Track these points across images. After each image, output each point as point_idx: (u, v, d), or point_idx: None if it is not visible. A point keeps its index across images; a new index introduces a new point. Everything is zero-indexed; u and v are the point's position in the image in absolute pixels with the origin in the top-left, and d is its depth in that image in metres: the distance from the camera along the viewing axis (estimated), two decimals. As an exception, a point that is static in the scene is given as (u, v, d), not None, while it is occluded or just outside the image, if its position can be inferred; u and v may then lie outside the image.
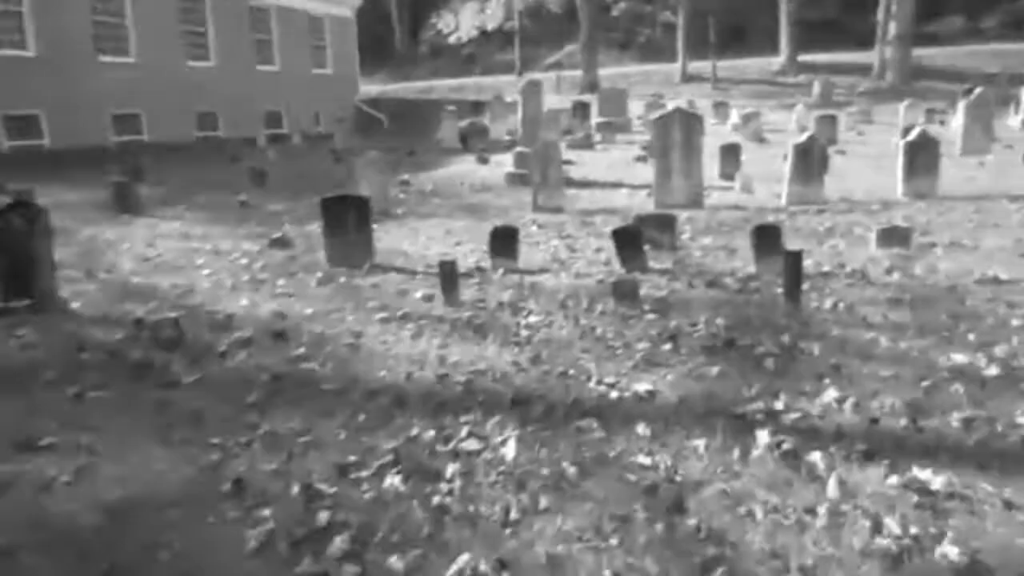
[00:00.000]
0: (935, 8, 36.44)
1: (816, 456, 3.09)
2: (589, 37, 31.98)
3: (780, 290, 5.56)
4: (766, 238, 6.09)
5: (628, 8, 41.50)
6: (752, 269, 6.14)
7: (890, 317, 4.85)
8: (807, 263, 6.26)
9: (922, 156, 8.66)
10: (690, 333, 4.65)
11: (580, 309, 5.22)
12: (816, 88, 25.76)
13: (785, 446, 3.15)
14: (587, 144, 16.71)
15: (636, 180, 11.84)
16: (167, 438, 3.49)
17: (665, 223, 7.17)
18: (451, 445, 3.33)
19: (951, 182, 9.63)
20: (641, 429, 3.38)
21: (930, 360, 4.11)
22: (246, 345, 4.70)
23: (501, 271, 6.54)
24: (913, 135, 8.74)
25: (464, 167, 14.33)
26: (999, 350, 4.18)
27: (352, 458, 3.23)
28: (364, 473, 3.11)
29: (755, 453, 3.16)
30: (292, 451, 3.34)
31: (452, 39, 37.36)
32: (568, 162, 13.91)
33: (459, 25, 36.21)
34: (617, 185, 11.48)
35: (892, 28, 28.16)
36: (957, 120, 18.96)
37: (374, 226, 8.94)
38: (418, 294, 5.81)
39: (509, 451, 3.25)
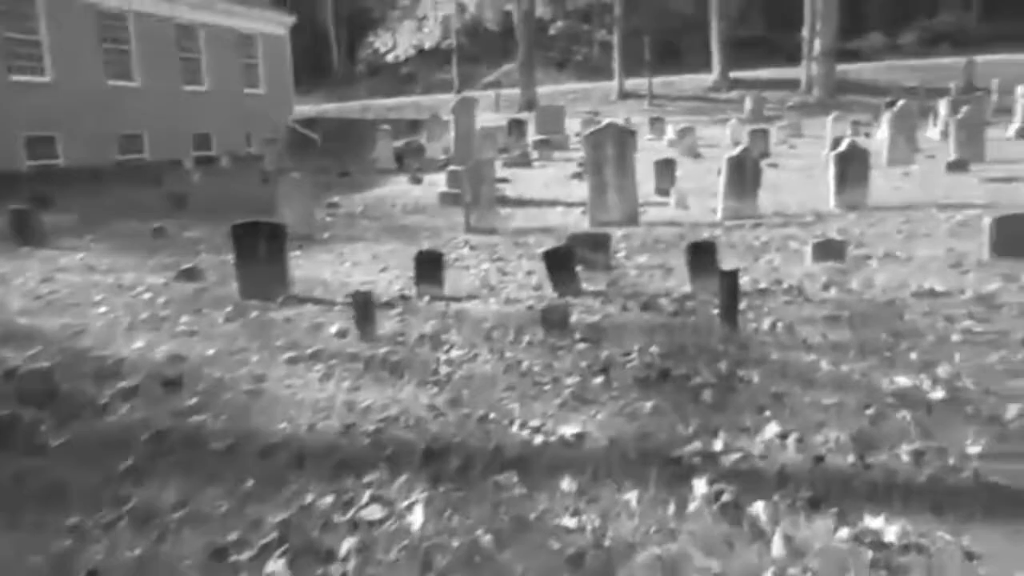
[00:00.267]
0: (857, 26, 37.52)
1: (759, 507, 2.73)
2: (527, 56, 31.89)
3: (716, 311, 5.26)
4: (701, 256, 5.80)
5: (565, 27, 41.66)
6: (688, 288, 5.84)
7: (830, 337, 4.57)
8: (744, 280, 6.00)
9: (852, 168, 8.56)
10: (623, 364, 4.29)
11: (507, 340, 4.82)
12: (748, 103, 26.07)
13: (725, 497, 2.79)
14: (524, 162, 16.41)
15: (572, 197, 11.55)
16: (16, 520, 2.95)
17: (599, 242, 6.84)
18: (350, 514, 2.88)
19: (880, 192, 9.58)
20: (567, 483, 2.98)
21: (873, 384, 3.83)
22: (131, 396, 4.16)
23: (426, 299, 6.11)
24: (843, 147, 8.63)
25: (397, 187, 13.87)
26: (942, 370, 3.92)
27: (233, 536, 2.76)
28: (244, 556, 2.64)
29: (692, 506, 2.79)
30: (164, 530, 2.84)
31: (390, 58, 36.88)
32: (503, 180, 13.59)
33: (396, 44, 35.74)
34: (553, 203, 11.17)
35: (817, 45, 28.77)
36: (882, 132, 19.31)
37: (296, 252, 8.44)
38: (333, 328, 5.33)
39: (416, 518, 2.81)
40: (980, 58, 30.62)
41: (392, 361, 4.56)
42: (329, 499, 2.99)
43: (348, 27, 47.87)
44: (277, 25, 25.42)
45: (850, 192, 8.58)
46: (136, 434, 3.66)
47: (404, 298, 6.17)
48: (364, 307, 5.02)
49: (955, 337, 4.42)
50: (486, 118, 26.90)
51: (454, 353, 4.65)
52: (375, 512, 2.88)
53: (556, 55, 42.31)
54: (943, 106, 19.04)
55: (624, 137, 8.77)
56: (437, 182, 13.78)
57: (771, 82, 32.77)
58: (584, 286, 6.11)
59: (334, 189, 13.69)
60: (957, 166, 11.58)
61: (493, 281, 6.66)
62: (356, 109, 33.23)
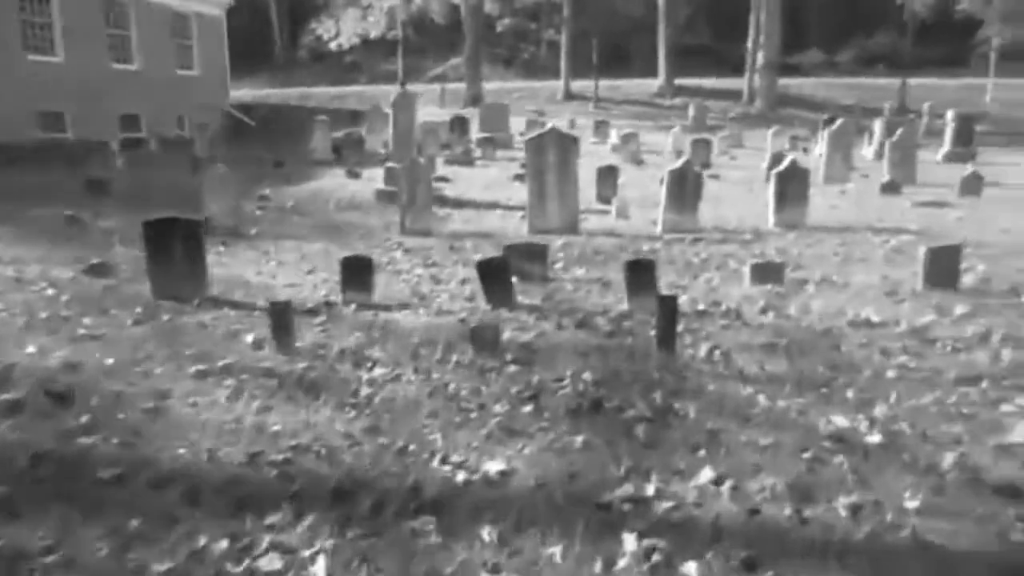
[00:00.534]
0: (797, 41, 38.31)
1: (692, 568, 2.55)
2: (473, 51, 31.55)
3: (654, 332, 5.11)
4: (640, 273, 5.64)
5: (513, 24, 41.41)
6: (625, 306, 5.68)
7: (767, 367, 4.45)
8: (683, 300, 5.87)
9: (792, 187, 8.57)
10: (555, 390, 4.08)
11: (434, 359, 4.56)
12: (691, 111, 26.31)
13: (656, 556, 2.60)
14: (466, 160, 16.13)
15: (513, 200, 11.33)
16: None
17: (536, 253, 6.64)
18: (245, 563, 2.59)
19: (817, 211, 9.63)
20: (488, 532, 2.75)
21: (810, 423, 3.71)
22: (13, 411, 3.75)
23: (353, 307, 5.80)
24: (783, 166, 8.64)
25: (334, 181, 13.42)
26: (879, 411, 3.83)
27: (106, 590, 2.44)
28: (115, 616, 2.33)
29: (621, 563, 2.59)
30: (27, 580, 2.50)
31: (333, 46, 36.00)
32: (443, 179, 13.30)
33: (340, 32, 34.90)
34: (493, 205, 10.93)
35: (760, 57, 29.25)
36: (820, 148, 19.70)
37: (220, 248, 8.01)
38: (249, 337, 4.98)
39: (319, 570, 2.54)
40: (913, 80, 31.65)
41: (310, 379, 4.25)
42: (224, 544, 2.69)
43: (290, 11, 46.61)
44: (214, 5, 24.48)
45: (789, 211, 8.59)
46: (14, 458, 3.28)
47: (329, 305, 5.85)
48: (282, 317, 4.69)
49: (891, 373, 4.35)
50: (430, 112, 26.49)
51: (377, 372, 4.37)
52: (273, 562, 2.60)
53: (503, 52, 42.05)
54: (878, 126, 19.51)
55: (566, 143, 8.59)
56: (375, 177, 13.39)
57: (715, 91, 33.21)
58: (519, 299, 5.89)
59: (267, 180, 13.16)
60: (890, 188, 11.79)
61: (425, 289, 6.39)
62: (296, 96, 32.34)
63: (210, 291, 6.13)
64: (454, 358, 4.54)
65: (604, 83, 33.02)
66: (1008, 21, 28.93)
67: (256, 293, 6.27)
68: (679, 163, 8.59)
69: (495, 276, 5.78)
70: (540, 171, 8.64)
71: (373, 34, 34.15)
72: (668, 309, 4.33)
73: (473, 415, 3.79)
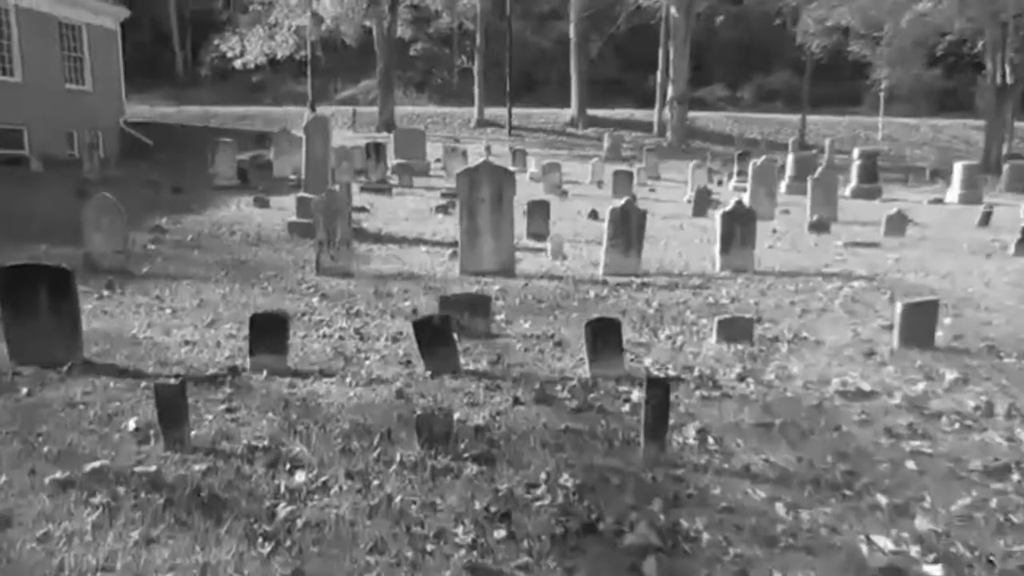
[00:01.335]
0: (701, 76, 39.11)
1: None
2: (386, 75, 30.54)
3: (626, 408, 4.32)
4: (604, 333, 4.84)
5: (426, 50, 40.68)
6: (586, 371, 4.87)
7: (770, 458, 3.72)
8: (647, 363, 5.11)
9: (739, 228, 8.04)
10: (530, 502, 3.20)
11: (371, 456, 3.60)
12: (606, 142, 26.15)
13: None
14: (383, 188, 15.13)
15: (438, 235, 10.43)
16: None
17: (478, 305, 5.76)
18: None
19: (756, 251, 9.18)
20: None
21: (849, 545, 2.97)
22: None
23: (264, 374, 4.75)
24: (730, 206, 8.11)
25: (239, 210, 12.15)
26: (921, 523, 3.13)
27: None
28: None
29: None
30: None
31: (238, 64, 34.17)
32: (361, 209, 12.26)
33: (246, 50, 33.17)
34: (416, 241, 9.99)
35: (670, 90, 29.49)
36: (733, 182, 19.70)
37: (104, 293, 6.77)
38: (132, 423, 3.89)
39: None
40: (810, 117, 32.69)
41: (209, 491, 3.21)
42: None
43: (192, 27, 44.33)
44: (107, 17, 22.59)
45: (736, 254, 8.05)
46: None
47: (235, 372, 4.78)
48: (173, 404, 3.62)
49: (910, 465, 3.69)
50: (342, 136, 25.29)
51: (299, 477, 3.37)
52: None
53: (416, 76, 41.19)
54: (789, 162, 19.66)
55: (502, 177, 7.79)
56: (286, 206, 12.20)
57: (626, 122, 33.37)
58: (463, 361, 4.99)
59: (163, 208, 11.76)
60: (819, 227, 11.56)
61: (351, 348, 5.39)
62: (199, 115, 30.43)
63: (85, 353, 4.95)
64: (397, 455, 3.58)
65: (517, 111, 32.63)
66: (895, 64, 30.25)
67: (144, 355, 5.13)
68: (621, 202, 7.92)
69: (436, 337, 4.86)
70: (472, 207, 7.78)
71: (280, 54, 32.61)
72: (660, 397, 3.53)
73: (430, 547, 2.86)
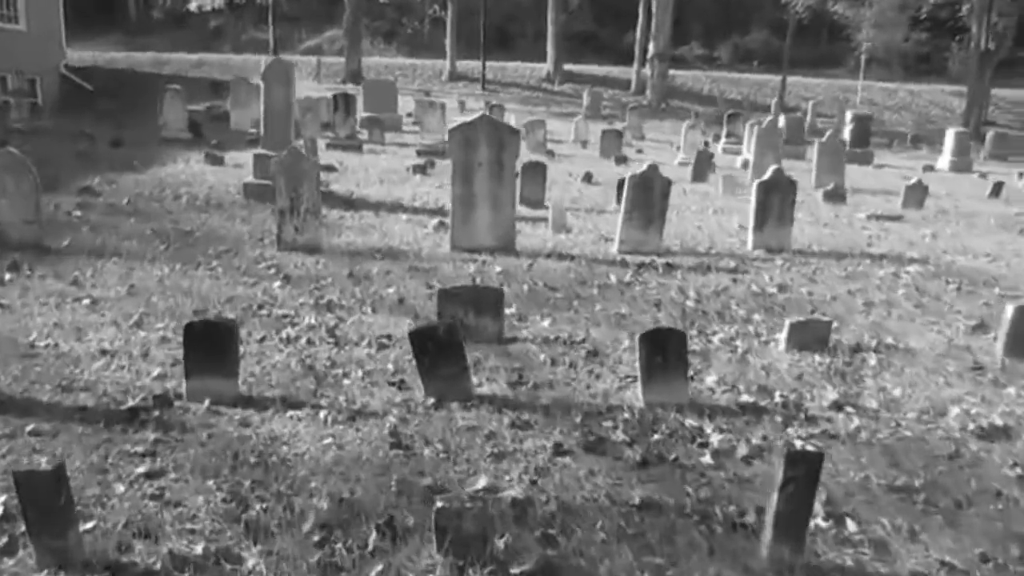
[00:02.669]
0: (678, 34, 37.59)
1: None
2: (353, 23, 28.43)
3: (708, 457, 3.11)
4: (662, 349, 3.60)
5: (395, -3, 38.34)
6: (639, 397, 3.64)
7: (941, 555, 2.54)
8: (709, 380, 3.89)
9: (777, 201, 6.81)
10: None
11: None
12: (586, 99, 24.68)
13: None
14: (354, 145, 13.56)
15: (419, 199, 9.03)
16: None
17: (486, 300, 4.45)
18: None
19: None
20: None
21: None
22: None
23: (205, 406, 3.43)
24: (768, 175, 6.86)
25: (188, 168, 10.53)
26: None
27: None
28: None
29: None
30: None
31: (193, 6, 31.65)
32: (329, 168, 10.74)
33: (202, -7, 30.69)
34: (395, 207, 8.57)
35: (651, 48, 27.96)
36: (721, 144, 18.45)
37: (6, 276, 5.31)
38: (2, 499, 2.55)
39: None
40: (789, 78, 31.50)
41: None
42: None
43: (146, -33, 41.19)
44: (46, -53, 20.21)
45: (772, 231, 6.83)
46: None
47: (165, 404, 3.44)
48: (45, 502, 2.27)
49: None
50: (306, 87, 23.37)
51: (250, 621, 2.09)
52: None
53: (385, 25, 38.86)
54: (782, 124, 18.44)
55: (504, 136, 6.42)
56: (243, 163, 10.62)
57: (603, 79, 31.79)
58: (474, 381, 3.72)
59: (98, 165, 10.11)
60: (835, 196, 10.42)
61: (323, 359, 4.07)
62: (149, 61, 28.04)
63: (-42, 371, 3.56)
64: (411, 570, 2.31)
65: (491, 65, 30.83)
66: (879, 27, 29.14)
67: (41, 374, 3.74)
68: (643, 168, 6.62)
69: (440, 352, 3.57)
70: (467, 172, 6.42)
71: (239, -2, 30.22)
72: (805, 477, 2.29)
73: None
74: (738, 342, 4.53)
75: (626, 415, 3.49)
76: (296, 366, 3.95)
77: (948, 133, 18.46)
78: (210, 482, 2.81)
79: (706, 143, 19.29)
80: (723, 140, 18.54)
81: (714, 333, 4.69)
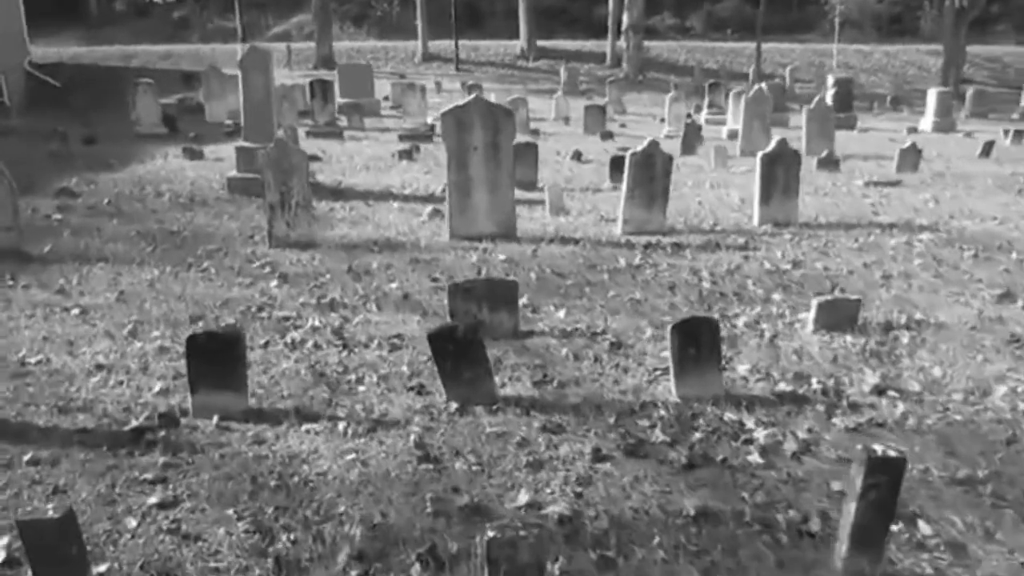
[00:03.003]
0: (650, 5, 37.17)
1: None
2: (322, 6, 27.76)
3: (756, 455, 2.92)
4: (695, 339, 3.40)
5: (362, -21, 37.52)
6: (672, 391, 3.45)
7: None
8: (742, 370, 3.70)
9: (782, 173, 6.61)
10: None
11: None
12: (563, 75, 24.30)
13: None
14: (334, 132, 13.19)
15: (408, 186, 8.74)
16: None
17: (500, 293, 4.22)
18: None
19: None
20: None
21: None
22: None
23: (215, 422, 3.18)
24: (771, 147, 6.65)
25: (167, 164, 10.15)
26: None
27: None
28: None
29: None
30: None
31: (158, -2, 30.79)
32: (314, 158, 10.39)
33: (165, -20, 29.81)
34: (384, 195, 8.29)
35: (624, 19, 27.57)
36: (703, 115, 18.20)
37: (-17, 290, 4.99)
38: (-3, 557, 2.31)
39: None
40: (764, 45, 31.27)
41: None
42: None
43: (106, -43, 39.97)
44: (1, -60, 19.43)
45: (778, 204, 6.64)
46: None
47: (171, 423, 3.19)
48: (51, 555, 2.03)
49: None
50: (278, 75, 22.79)
51: None
52: None
53: (353, 8, 38.08)
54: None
55: (499, 117, 6.15)
56: (223, 156, 10.28)
57: (576, 54, 31.36)
58: (496, 381, 3.50)
59: (74, 165, 9.69)
60: (829, 164, 10.25)
61: (334, 364, 3.83)
62: (116, 55, 27.23)
63: (-58, 398, 3.29)
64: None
65: (464, 44, 30.30)
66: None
67: (35, 394, 3.48)
68: (644, 144, 6.39)
69: (461, 354, 3.34)
70: (462, 156, 6.15)
71: (205, -15, 29.37)
72: (888, 484, 2.10)
73: None
74: (763, 325, 4.34)
75: (662, 412, 3.29)
76: (306, 373, 3.71)
77: (930, 93, 18.34)
78: (229, 511, 2.58)
79: (689, 115, 19.08)
80: (705, 111, 18.33)
81: (736, 316, 4.50)
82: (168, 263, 5.65)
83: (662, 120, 17.64)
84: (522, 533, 2.05)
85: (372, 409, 3.34)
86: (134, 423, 3.18)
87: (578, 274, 5.34)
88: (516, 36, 31.81)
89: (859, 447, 2.12)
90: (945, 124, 17.46)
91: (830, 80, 18.68)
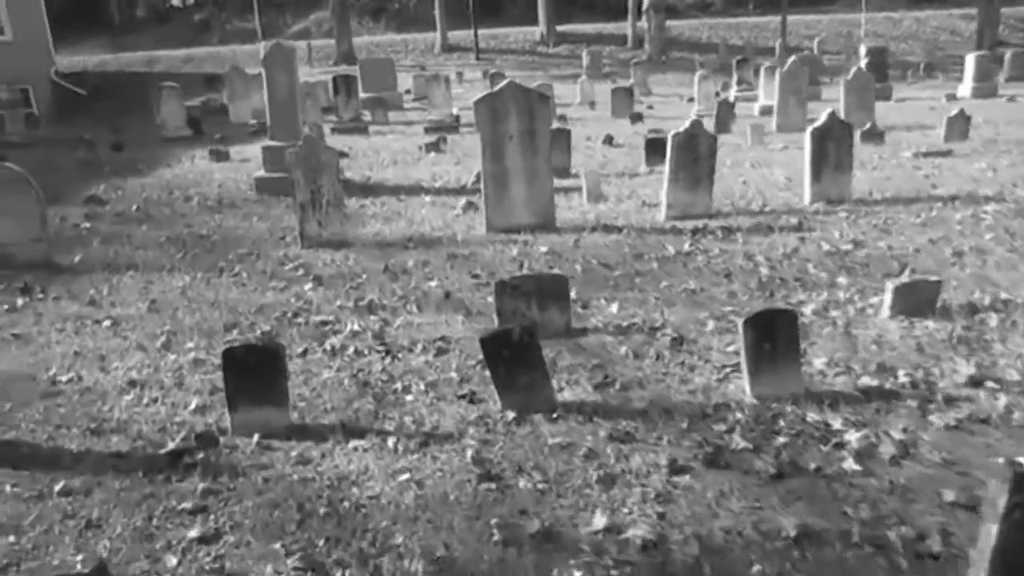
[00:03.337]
0: (670, -18, 36.38)
1: None
2: (340, 2, 27.54)
3: (852, 461, 2.62)
4: (771, 334, 3.09)
5: (378, -27, 37.25)
6: (746, 391, 3.14)
7: None
8: (817, 363, 3.39)
9: (834, 148, 6.23)
10: None
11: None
12: (585, 59, 23.84)
13: None
14: (359, 128, 12.97)
15: (438, 179, 8.48)
16: None
17: (550, 289, 3.93)
18: None
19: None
20: None
21: None
22: None
23: (255, 441, 2.96)
24: (821, 120, 6.26)
25: (194, 166, 10.00)
26: None
27: None
28: None
29: None
30: None
31: (176, 1, 30.79)
32: (341, 154, 10.17)
33: (184, -16, 29.80)
34: (414, 189, 8.04)
35: (645, 0, 26.97)
36: (733, 92, 17.68)
37: (18, 301, 4.84)
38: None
39: None
40: (789, 18, 30.44)
41: None
42: None
43: (125, -35, 40.14)
44: (22, -47, 19.43)
45: (830, 180, 6.25)
46: None
47: (209, 443, 2.96)
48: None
49: None
50: (300, 72, 22.66)
51: None
52: None
53: (371, 3, 37.85)
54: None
55: (534, 103, 5.84)
56: (249, 157, 10.11)
57: (597, 37, 30.84)
58: (553, 385, 3.22)
59: (101, 172, 9.58)
60: (873, 136, 9.79)
61: (377, 372, 3.58)
62: (141, 61, 27.31)
63: (-30, 425, 3.10)
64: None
65: (483, 32, 29.92)
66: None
67: (66, 415, 3.28)
68: (686, 124, 6.05)
69: (516, 359, 3.07)
70: (497, 145, 5.86)
71: (223, -14, 29.31)
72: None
73: None
74: (834, 312, 4.00)
75: (738, 415, 2.99)
76: (349, 383, 3.46)
77: (968, 58, 17.61)
78: (276, 544, 2.34)
79: (717, 92, 18.56)
80: (734, 87, 17.81)
81: (801, 304, 4.17)
82: (199, 269, 5.45)
83: (689, 100, 17.17)
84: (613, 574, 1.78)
85: (422, 421, 3.09)
86: (171, 445, 2.96)
87: (626, 264, 5.03)
88: (535, 22, 31.35)
89: (1000, 460, 1.81)
90: (986, 89, 16.75)
91: (863, 50, 18.04)
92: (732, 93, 17.53)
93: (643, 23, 27.70)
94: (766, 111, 13.85)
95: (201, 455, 2.89)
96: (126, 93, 20.01)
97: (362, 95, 16.60)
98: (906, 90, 18.72)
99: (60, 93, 20.25)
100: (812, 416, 2.96)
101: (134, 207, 7.52)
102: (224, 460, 2.87)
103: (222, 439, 3.01)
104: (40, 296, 4.98)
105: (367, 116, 14.54)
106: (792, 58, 12.84)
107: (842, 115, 11.49)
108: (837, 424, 2.90)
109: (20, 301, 4.87)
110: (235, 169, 9.55)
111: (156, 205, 7.64)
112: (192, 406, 3.30)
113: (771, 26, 30.89)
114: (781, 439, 2.81)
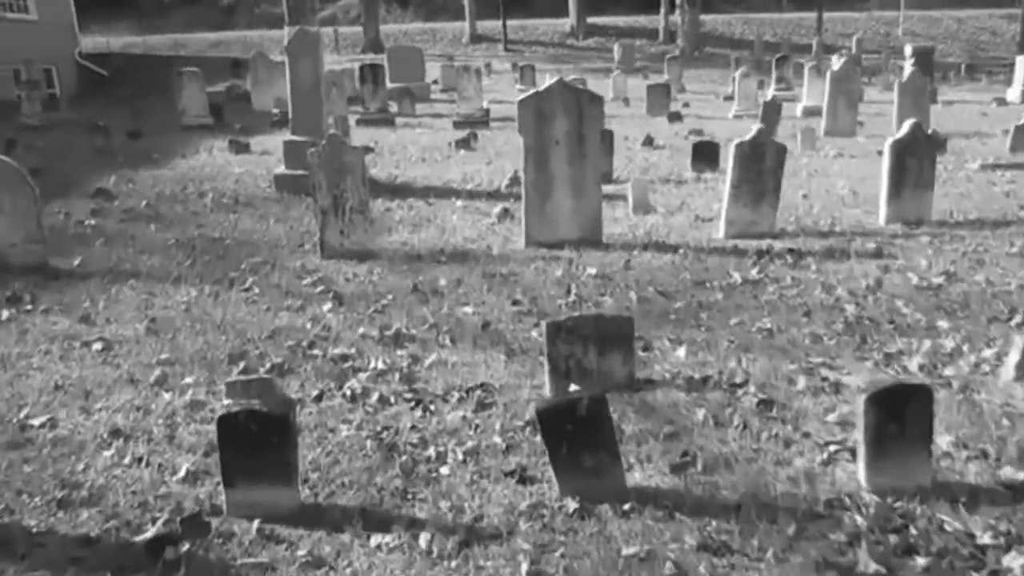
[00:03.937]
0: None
1: None
2: (368, -12, 26.93)
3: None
4: (897, 414, 2.43)
5: (407, -40, 36.55)
6: (861, 479, 2.50)
7: None
8: (942, 442, 2.73)
9: (915, 162, 5.52)
10: None
11: None
12: (617, 53, 23.06)
13: None
14: (386, 120, 12.36)
15: (470, 180, 7.85)
16: None
17: (610, 333, 3.28)
18: None
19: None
20: None
21: None
22: None
23: (255, 528, 2.35)
24: (904, 132, 5.55)
25: (212, 158, 9.42)
26: None
27: None
28: None
29: None
30: None
31: (206, -16, 30.31)
32: (366, 149, 9.57)
33: (213, -33, 29.29)
34: (446, 191, 7.41)
35: (680, -8, 26.10)
36: (771, 90, 16.85)
37: (4, 313, 4.28)
38: None
39: None
40: (825, 14, 29.42)
41: None
42: None
43: (155, -54, 39.65)
44: (50, -69, 18.94)
45: (910, 199, 5.55)
46: None
47: (198, 528, 2.36)
48: None
49: None
50: (326, 60, 22.08)
51: None
52: None
53: (399, -9, 37.21)
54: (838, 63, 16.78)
55: (585, 104, 5.18)
56: (270, 149, 9.52)
57: (628, 30, 29.99)
58: (623, 465, 2.58)
59: (114, 161, 9.02)
60: (935, 144, 9.01)
61: (406, 434, 2.96)
62: (167, 44, 26.86)
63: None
64: None
65: (512, 23, 29.21)
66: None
67: (33, 473, 2.69)
68: (752, 133, 5.37)
69: (582, 438, 2.44)
70: (542, 151, 5.21)
71: (251, -30, 28.78)
72: None
73: None
74: (947, 371, 3.33)
75: (857, 518, 2.34)
76: (372, 447, 2.85)
77: (1019, 61, 16.70)
78: None
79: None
80: (773, 86, 16.98)
81: (902, 355, 3.50)
82: (207, 280, 4.86)
83: (726, 98, 16.40)
84: None
85: (462, 508, 2.47)
86: (151, 531, 2.36)
87: (687, 293, 4.37)
88: (565, 14, 30.57)
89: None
90: (1038, 94, 15.86)
91: (908, 50, 17.13)
92: (770, 92, 16.69)
93: (676, 17, 26.84)
94: (809, 112, 13.09)
95: (187, 547, 2.29)
96: (149, 76, 19.50)
97: (392, 85, 15.97)
98: (950, 92, 17.81)
99: (83, 74, 19.79)
100: (949, 521, 2.31)
101: (144, 203, 6.94)
102: (215, 555, 2.27)
103: (215, 522, 2.41)
104: (28, 308, 4.41)
105: (394, 107, 13.90)
106: (843, 58, 12.06)
107: (894, 121, 10.72)
108: (985, 538, 2.25)
109: (6, 313, 4.30)
110: (254, 163, 8.97)
111: (167, 201, 7.06)
112: (182, 472, 2.70)
113: (806, 23, 29.94)
114: (921, 560, 2.16)
